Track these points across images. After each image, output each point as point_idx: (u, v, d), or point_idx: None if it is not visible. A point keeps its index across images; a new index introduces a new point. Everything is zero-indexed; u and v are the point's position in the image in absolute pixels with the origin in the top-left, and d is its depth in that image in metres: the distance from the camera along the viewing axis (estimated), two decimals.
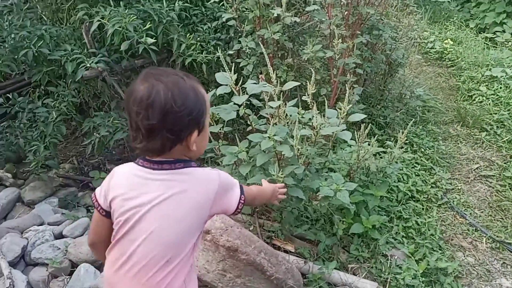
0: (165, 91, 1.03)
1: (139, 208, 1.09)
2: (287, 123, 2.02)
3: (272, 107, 1.90)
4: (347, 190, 2.03)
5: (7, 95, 2.75)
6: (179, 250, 1.11)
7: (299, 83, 2.03)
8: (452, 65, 4.77)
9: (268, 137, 1.79)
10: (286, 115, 1.99)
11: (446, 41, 5.17)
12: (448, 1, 6.33)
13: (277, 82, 1.95)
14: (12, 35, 2.46)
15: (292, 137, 1.85)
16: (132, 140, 1.09)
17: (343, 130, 1.95)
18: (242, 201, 1.22)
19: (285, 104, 1.99)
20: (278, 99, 1.92)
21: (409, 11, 3.70)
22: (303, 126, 2.01)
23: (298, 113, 1.98)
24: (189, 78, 1.10)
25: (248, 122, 2.05)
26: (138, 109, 1.03)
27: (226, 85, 1.84)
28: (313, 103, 2.02)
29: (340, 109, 1.98)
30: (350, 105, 2.02)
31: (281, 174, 1.78)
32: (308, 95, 2.02)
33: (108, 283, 1.17)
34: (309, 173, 2.10)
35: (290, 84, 1.96)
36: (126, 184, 1.13)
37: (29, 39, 2.49)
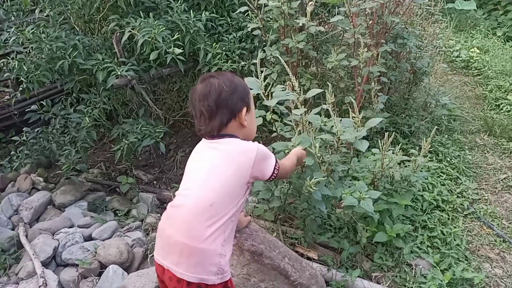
0: (218, 81, 1.42)
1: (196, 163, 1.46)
2: (310, 130, 2.05)
3: (296, 115, 1.94)
4: (370, 198, 2.04)
5: (41, 102, 2.87)
6: (223, 205, 1.36)
7: (322, 90, 2.06)
8: (479, 74, 4.70)
9: (293, 145, 1.83)
10: (309, 122, 2.01)
11: (472, 49, 5.10)
12: (475, 10, 6.24)
13: (300, 90, 1.98)
14: (49, 46, 2.57)
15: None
16: (198, 125, 1.45)
17: (362, 137, 1.96)
18: (278, 168, 1.50)
19: (309, 112, 2.02)
20: (302, 107, 1.95)
21: (434, 19, 3.67)
22: (325, 134, 2.03)
23: (321, 121, 2.01)
24: (233, 73, 1.52)
25: (273, 129, 2.08)
26: (200, 97, 1.41)
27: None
28: (335, 112, 2.03)
29: (355, 117, 1.99)
30: (361, 113, 2.02)
31: (307, 183, 1.80)
32: (328, 104, 2.04)
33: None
34: (333, 180, 2.11)
35: (313, 92, 1.99)
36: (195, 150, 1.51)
37: (64, 49, 2.60)
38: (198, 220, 1.35)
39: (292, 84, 1.99)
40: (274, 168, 1.49)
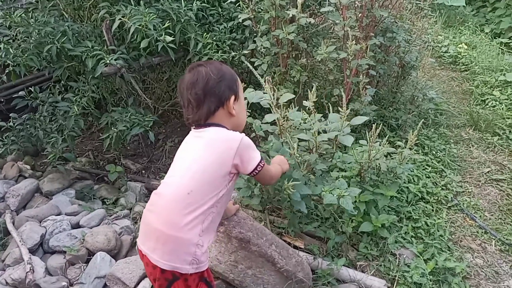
0: (205, 69, 1.43)
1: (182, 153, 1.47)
2: (290, 128, 2.04)
3: (267, 120, 1.94)
4: (350, 196, 2.04)
5: (29, 88, 2.84)
6: (201, 194, 1.36)
7: (294, 96, 2.03)
8: (466, 69, 4.77)
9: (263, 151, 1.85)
10: (289, 119, 2.01)
11: (460, 45, 5.17)
12: (464, 6, 6.31)
13: (273, 94, 1.95)
14: (37, 31, 2.54)
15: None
16: (185, 114, 1.46)
17: (345, 134, 1.97)
18: (262, 165, 1.47)
19: (287, 110, 2.02)
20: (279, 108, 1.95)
21: (423, 14, 3.71)
22: (306, 132, 2.02)
23: (301, 118, 2.01)
24: (221, 62, 1.53)
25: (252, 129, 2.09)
26: (188, 86, 1.42)
27: None
28: (314, 110, 2.02)
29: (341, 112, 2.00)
30: (348, 111, 2.02)
31: (285, 185, 1.82)
32: (309, 101, 2.03)
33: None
34: (313, 177, 2.12)
35: (286, 97, 1.98)
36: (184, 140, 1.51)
37: (53, 35, 2.57)
38: (176, 207, 1.35)
39: (283, 76, 2.01)
40: (258, 165, 1.46)
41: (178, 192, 1.36)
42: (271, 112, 2.05)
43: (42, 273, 2.07)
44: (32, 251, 2.20)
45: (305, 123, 1.95)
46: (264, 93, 1.96)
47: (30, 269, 2.02)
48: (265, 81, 1.92)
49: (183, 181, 1.37)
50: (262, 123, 2.10)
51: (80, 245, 2.17)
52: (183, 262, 1.35)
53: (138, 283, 1.96)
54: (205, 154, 1.40)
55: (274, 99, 1.92)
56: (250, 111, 1.95)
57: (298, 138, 1.92)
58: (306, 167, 2.03)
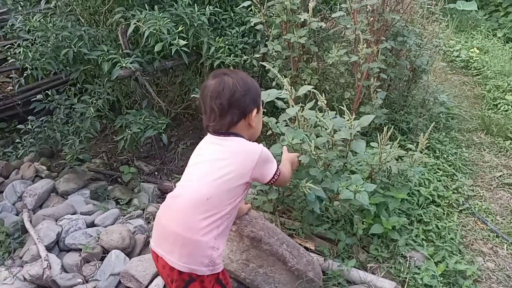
0: (232, 80, 1.44)
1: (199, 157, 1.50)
2: (306, 126, 2.08)
3: (289, 114, 1.98)
4: (366, 192, 2.08)
5: (46, 92, 2.91)
6: (219, 201, 1.39)
7: (313, 86, 2.08)
8: (478, 74, 4.75)
9: (288, 145, 1.89)
10: (305, 119, 2.05)
11: (472, 50, 5.16)
12: (476, 10, 6.29)
13: (291, 88, 2.00)
14: (55, 35, 2.62)
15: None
16: (206, 121, 1.48)
17: (362, 132, 2.00)
18: (278, 174, 1.53)
19: (303, 108, 2.06)
20: (296, 104, 1.99)
21: (435, 18, 3.72)
22: (320, 130, 2.06)
23: (316, 116, 2.04)
24: (246, 73, 1.54)
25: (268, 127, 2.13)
26: (212, 94, 1.43)
27: None
28: (336, 107, 2.07)
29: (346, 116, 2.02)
30: (360, 110, 2.05)
31: (302, 184, 1.85)
32: (321, 100, 2.07)
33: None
34: (330, 174, 2.15)
35: (304, 89, 2.02)
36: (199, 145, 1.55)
37: (70, 39, 2.65)
38: (193, 212, 1.38)
39: (295, 79, 2.04)
40: (275, 174, 1.51)
41: (196, 197, 1.39)
42: (284, 112, 2.10)
43: (59, 270, 2.12)
44: (49, 248, 2.25)
45: (320, 121, 1.98)
46: (283, 89, 2.00)
47: (47, 265, 2.08)
48: (284, 76, 1.96)
49: (201, 186, 1.40)
50: (278, 121, 2.15)
51: (95, 243, 2.22)
52: (200, 265, 1.38)
53: (151, 281, 2.00)
54: (226, 163, 1.42)
55: (292, 94, 1.96)
56: (264, 110, 2.00)
57: (316, 135, 1.96)
58: (323, 163, 2.06)
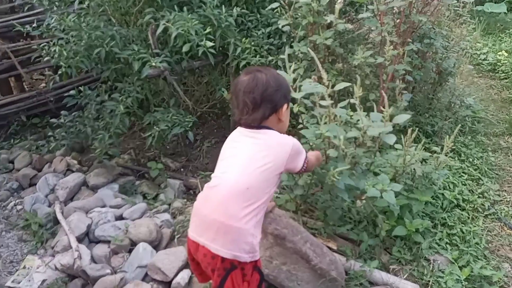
0: (265, 76, 1.52)
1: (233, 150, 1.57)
2: (336, 124, 2.12)
3: (323, 106, 2.01)
4: (392, 191, 2.09)
5: (79, 88, 3.02)
6: (258, 190, 1.47)
7: (350, 84, 2.12)
8: (506, 77, 4.66)
9: (321, 133, 1.92)
10: (336, 116, 2.09)
11: (500, 52, 5.06)
12: (505, 13, 6.16)
13: (329, 83, 2.06)
14: (88, 35, 2.72)
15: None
16: (238, 115, 1.56)
17: (388, 132, 2.01)
18: (307, 162, 1.64)
19: (335, 105, 2.09)
20: (330, 99, 2.02)
21: (462, 21, 3.68)
22: (351, 127, 2.10)
23: (347, 114, 2.08)
24: (277, 71, 1.63)
25: (300, 120, 2.16)
26: (246, 89, 1.51)
27: None
28: (361, 107, 2.09)
29: (384, 112, 2.04)
30: (391, 108, 2.06)
31: (331, 172, 1.88)
32: (355, 98, 2.10)
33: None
34: (356, 172, 2.17)
35: (342, 85, 2.06)
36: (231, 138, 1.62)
37: (102, 39, 2.74)
38: (235, 201, 1.45)
39: (321, 77, 2.07)
40: (304, 162, 1.62)
41: (237, 187, 1.46)
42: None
43: (88, 260, 2.21)
44: (79, 240, 2.34)
45: (351, 118, 2.01)
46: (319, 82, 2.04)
47: (77, 256, 2.16)
48: (325, 70, 2.00)
49: (241, 177, 1.48)
50: (313, 113, 2.19)
51: (124, 235, 2.30)
52: (242, 251, 1.46)
53: (177, 274, 2.06)
54: (263, 154, 1.51)
55: (329, 87, 2.00)
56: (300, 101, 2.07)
57: (345, 131, 1.99)
58: (350, 161, 2.08)
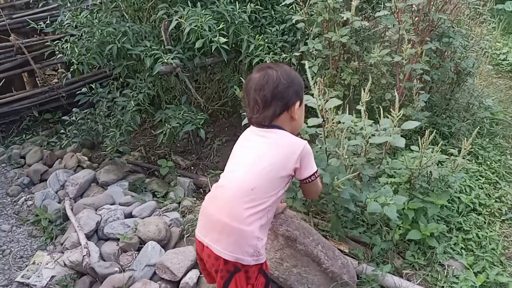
0: (275, 73, 1.46)
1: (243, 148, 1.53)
2: (339, 133, 2.04)
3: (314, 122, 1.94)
4: (395, 204, 2.01)
5: (90, 85, 3.02)
6: (263, 191, 1.42)
7: (341, 102, 1.99)
8: None
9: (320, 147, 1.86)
10: (339, 122, 2.01)
11: None
12: None
13: (321, 98, 1.95)
14: (100, 31, 2.70)
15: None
16: (250, 113, 1.51)
17: (395, 138, 1.94)
18: (316, 175, 1.54)
19: (336, 114, 2.01)
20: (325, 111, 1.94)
21: (482, 20, 3.58)
22: (355, 136, 2.02)
23: (352, 121, 2.00)
24: (290, 67, 1.56)
25: None
26: (257, 87, 1.46)
27: None
28: (366, 113, 2.02)
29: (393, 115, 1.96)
30: (401, 111, 1.98)
31: (335, 182, 1.82)
32: (361, 103, 2.03)
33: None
34: (359, 183, 2.10)
35: (332, 103, 1.95)
36: (243, 136, 1.58)
37: (114, 35, 2.72)
38: (239, 201, 1.40)
39: (333, 79, 2.01)
40: (313, 174, 1.52)
41: (242, 187, 1.42)
42: (316, 114, 2.08)
43: (97, 257, 2.19)
44: (88, 236, 2.33)
45: (356, 125, 1.94)
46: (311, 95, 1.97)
47: (86, 253, 2.15)
48: (315, 83, 1.93)
49: (247, 176, 1.43)
50: (307, 126, 2.12)
51: (133, 233, 2.28)
52: (245, 254, 1.41)
53: (185, 274, 2.03)
54: (270, 154, 1.45)
55: (321, 103, 1.93)
56: None
57: (348, 139, 1.92)
58: (353, 171, 2.02)
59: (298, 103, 1.51)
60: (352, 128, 2.03)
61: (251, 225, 1.40)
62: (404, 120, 2.42)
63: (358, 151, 2.08)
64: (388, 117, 2.04)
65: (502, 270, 2.26)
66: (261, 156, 1.46)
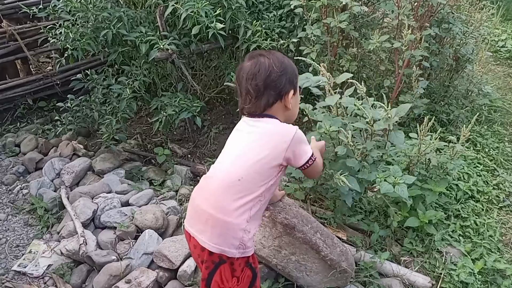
0: (268, 61, 1.41)
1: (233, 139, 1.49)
2: (343, 114, 2.02)
3: (328, 103, 1.92)
4: (405, 184, 2.01)
5: (86, 71, 2.96)
6: (251, 183, 1.37)
7: (351, 75, 2.00)
8: None
9: (325, 132, 1.83)
10: (343, 107, 1.99)
11: None
12: None
13: (330, 76, 1.93)
14: (94, 16, 2.65)
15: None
16: (242, 103, 1.46)
17: (394, 127, 1.92)
18: (313, 159, 1.48)
19: (341, 95, 1.99)
20: (334, 92, 1.92)
21: (482, 5, 3.54)
22: (359, 119, 2.00)
23: (354, 104, 1.97)
24: (283, 54, 1.49)
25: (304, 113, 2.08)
26: (248, 76, 1.41)
27: None
28: (367, 97, 1.99)
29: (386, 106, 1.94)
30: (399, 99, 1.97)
31: (336, 175, 1.81)
32: (360, 89, 1.99)
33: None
34: (367, 164, 2.09)
35: (344, 76, 1.95)
36: (236, 127, 1.52)
37: (109, 20, 2.67)
38: (226, 192, 1.37)
39: (332, 65, 1.99)
40: (310, 159, 1.47)
41: (228, 178, 1.38)
42: (319, 98, 2.05)
43: (94, 246, 2.18)
44: (85, 225, 2.31)
45: (358, 109, 1.92)
46: (321, 75, 1.95)
47: (83, 241, 2.13)
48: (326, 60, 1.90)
49: (233, 167, 1.40)
50: (316, 107, 2.09)
51: (130, 222, 2.26)
52: (231, 246, 1.38)
53: (183, 262, 2.02)
54: (258, 144, 1.41)
55: (331, 81, 1.90)
56: (301, 96, 1.94)
57: (353, 125, 1.90)
58: (360, 153, 2.00)
59: (292, 92, 1.45)
60: (355, 111, 2.01)
61: (239, 217, 1.36)
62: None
63: (363, 135, 2.06)
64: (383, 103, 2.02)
65: (500, 257, 2.27)
66: (250, 146, 1.41)
